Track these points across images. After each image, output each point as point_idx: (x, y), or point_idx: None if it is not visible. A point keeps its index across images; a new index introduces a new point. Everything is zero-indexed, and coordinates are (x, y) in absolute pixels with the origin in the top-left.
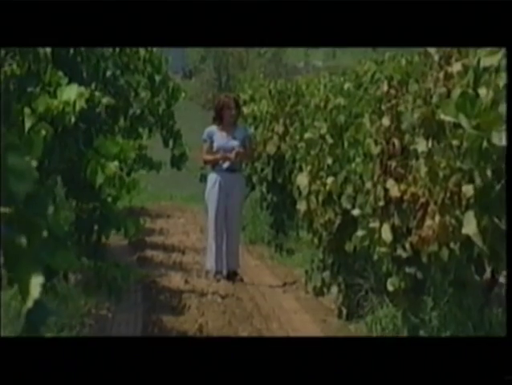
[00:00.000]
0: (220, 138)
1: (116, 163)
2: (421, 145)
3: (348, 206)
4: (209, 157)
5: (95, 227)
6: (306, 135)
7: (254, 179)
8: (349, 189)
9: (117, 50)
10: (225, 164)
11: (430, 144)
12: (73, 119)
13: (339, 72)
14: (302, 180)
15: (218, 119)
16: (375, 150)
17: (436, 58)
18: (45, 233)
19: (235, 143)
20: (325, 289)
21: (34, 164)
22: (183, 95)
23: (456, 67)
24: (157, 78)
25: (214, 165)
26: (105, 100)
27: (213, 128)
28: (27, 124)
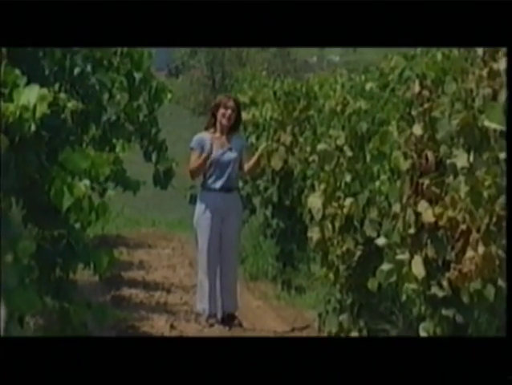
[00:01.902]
0: (213, 148)
1: (87, 182)
2: (461, 159)
3: (371, 234)
4: (196, 164)
5: (60, 260)
6: (320, 147)
7: (256, 200)
8: (372, 213)
9: None
10: (219, 182)
11: (472, 158)
12: (33, 128)
13: (360, 69)
14: (314, 201)
15: (211, 121)
16: (405, 165)
17: (480, 52)
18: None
19: (232, 155)
20: (343, 336)
21: None
22: (169, 96)
23: (503, 64)
24: (137, 76)
25: (205, 183)
26: (72, 104)
27: (205, 135)
28: None
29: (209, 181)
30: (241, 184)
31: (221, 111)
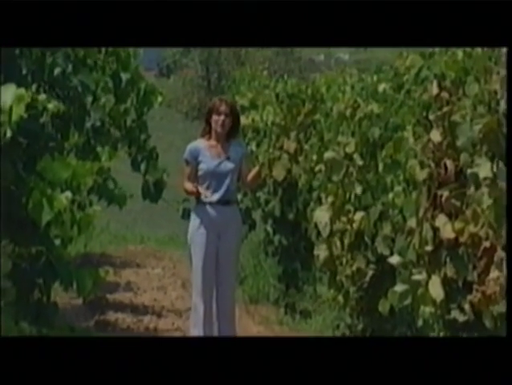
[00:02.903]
0: (209, 158)
1: (68, 194)
2: (484, 168)
3: (384, 251)
4: (190, 186)
5: (39, 280)
6: (327, 155)
7: (256, 214)
8: (385, 229)
9: None
10: (216, 195)
11: (495, 167)
12: (9, 133)
13: (372, 69)
14: (321, 215)
15: (206, 128)
16: (421, 175)
17: (505, 49)
18: None
19: (230, 166)
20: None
21: None
22: (159, 99)
23: None
24: (124, 76)
25: (200, 195)
26: (52, 106)
27: (199, 144)
28: None
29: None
30: (239, 196)
31: (214, 117)
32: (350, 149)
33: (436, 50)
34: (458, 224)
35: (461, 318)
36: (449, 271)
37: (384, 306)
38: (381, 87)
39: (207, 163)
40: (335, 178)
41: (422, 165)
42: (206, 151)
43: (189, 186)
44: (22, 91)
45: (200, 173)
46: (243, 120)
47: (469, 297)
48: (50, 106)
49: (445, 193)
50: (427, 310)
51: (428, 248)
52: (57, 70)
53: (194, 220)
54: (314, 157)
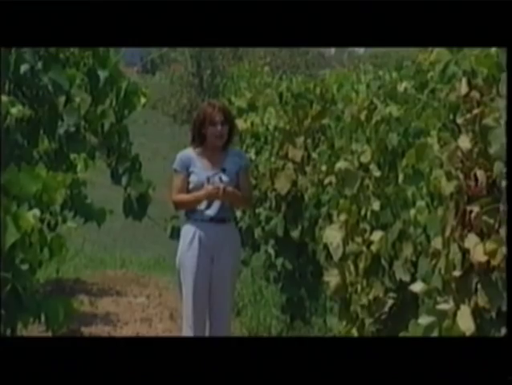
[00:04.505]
0: (201, 170)
1: (37, 211)
2: None
3: (405, 277)
4: (184, 197)
5: (3, 311)
6: (339, 165)
7: (256, 233)
8: (406, 251)
9: None
10: (209, 212)
11: None
12: None
13: (391, 64)
14: (332, 235)
15: (198, 140)
16: (448, 188)
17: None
18: None
19: (224, 179)
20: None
21: None
22: (143, 100)
23: None
24: (102, 74)
25: (191, 212)
26: (16, 111)
27: (191, 153)
28: None
29: (197, 211)
30: (238, 212)
31: (211, 129)
32: (365, 158)
33: None
34: (491, 245)
35: None
36: (481, 300)
37: None
38: (401, 86)
39: (198, 175)
40: (347, 192)
41: (449, 176)
42: (198, 161)
43: (184, 196)
44: None
45: (190, 186)
46: (241, 124)
47: (504, 330)
48: (14, 110)
49: (476, 209)
50: None
51: (456, 273)
52: (24, 67)
53: (184, 241)
54: (324, 167)
